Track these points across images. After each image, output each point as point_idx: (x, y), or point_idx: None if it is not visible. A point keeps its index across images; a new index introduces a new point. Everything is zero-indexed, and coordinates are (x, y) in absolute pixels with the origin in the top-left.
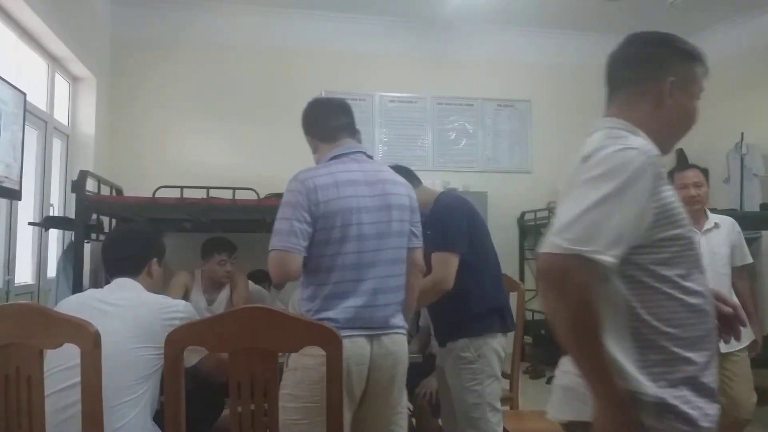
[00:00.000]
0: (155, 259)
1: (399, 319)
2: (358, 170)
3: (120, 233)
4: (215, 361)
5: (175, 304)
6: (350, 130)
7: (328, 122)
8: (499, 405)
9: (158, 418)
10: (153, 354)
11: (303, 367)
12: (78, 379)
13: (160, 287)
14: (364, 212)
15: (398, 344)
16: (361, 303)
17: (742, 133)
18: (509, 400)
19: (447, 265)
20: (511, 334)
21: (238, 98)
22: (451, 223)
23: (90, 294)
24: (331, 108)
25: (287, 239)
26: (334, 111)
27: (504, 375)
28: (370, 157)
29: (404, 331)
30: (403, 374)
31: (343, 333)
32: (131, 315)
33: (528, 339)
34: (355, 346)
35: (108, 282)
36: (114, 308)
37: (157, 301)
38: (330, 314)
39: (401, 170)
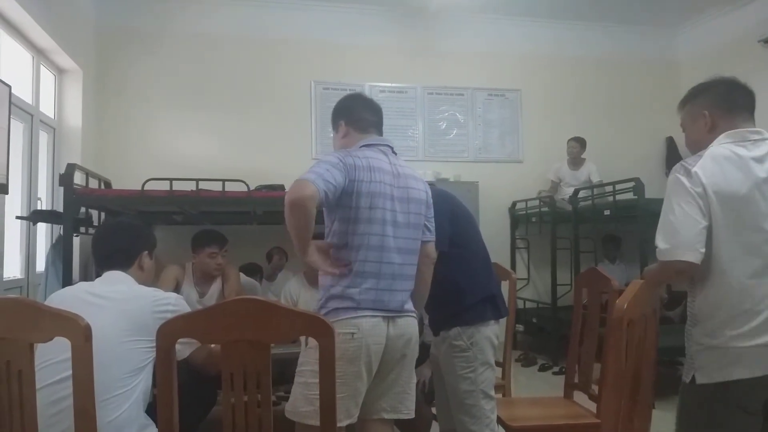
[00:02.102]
0: (146, 252)
1: (410, 305)
2: (387, 161)
3: (110, 226)
4: (206, 353)
5: (167, 297)
6: (378, 127)
7: (363, 114)
8: (492, 392)
9: (151, 410)
10: (145, 347)
11: None
12: (69, 372)
13: (151, 280)
14: (389, 200)
15: (411, 326)
16: (382, 286)
17: None
18: (501, 387)
19: None
20: (504, 322)
21: (227, 89)
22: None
23: (81, 287)
24: (367, 103)
25: (319, 178)
26: (370, 107)
27: (496, 363)
28: (395, 153)
29: (415, 315)
30: (414, 355)
31: (365, 313)
32: (123, 308)
33: (519, 327)
34: (376, 327)
35: (98, 275)
36: (105, 301)
37: (149, 293)
38: (354, 293)
39: None
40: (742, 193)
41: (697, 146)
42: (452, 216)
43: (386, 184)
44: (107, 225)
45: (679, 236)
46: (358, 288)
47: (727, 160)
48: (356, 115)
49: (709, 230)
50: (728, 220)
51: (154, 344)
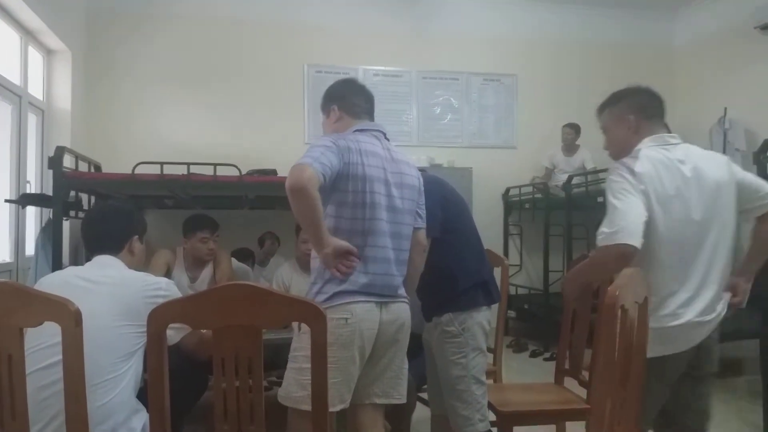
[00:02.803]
0: (136, 237)
1: (403, 290)
2: (380, 146)
3: (100, 210)
4: (197, 338)
5: (157, 282)
6: (371, 114)
7: (357, 100)
8: (484, 378)
9: (142, 395)
10: (135, 332)
11: None
12: (60, 357)
13: (141, 264)
14: (384, 185)
15: (404, 312)
16: (376, 270)
17: (725, 109)
18: (493, 373)
19: None
20: (495, 307)
21: (219, 72)
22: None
23: (71, 271)
24: (361, 90)
25: (315, 161)
26: (363, 94)
27: (488, 349)
28: (388, 139)
29: (408, 301)
30: (406, 340)
31: (359, 298)
32: (113, 292)
33: (511, 313)
34: (369, 312)
35: (89, 259)
36: (95, 286)
37: (139, 278)
38: (348, 278)
39: None
40: (671, 192)
41: (620, 147)
42: (444, 201)
43: (380, 169)
44: (97, 209)
45: (624, 222)
46: (355, 273)
47: (661, 162)
48: (350, 100)
49: (649, 224)
50: (662, 215)
51: (145, 329)
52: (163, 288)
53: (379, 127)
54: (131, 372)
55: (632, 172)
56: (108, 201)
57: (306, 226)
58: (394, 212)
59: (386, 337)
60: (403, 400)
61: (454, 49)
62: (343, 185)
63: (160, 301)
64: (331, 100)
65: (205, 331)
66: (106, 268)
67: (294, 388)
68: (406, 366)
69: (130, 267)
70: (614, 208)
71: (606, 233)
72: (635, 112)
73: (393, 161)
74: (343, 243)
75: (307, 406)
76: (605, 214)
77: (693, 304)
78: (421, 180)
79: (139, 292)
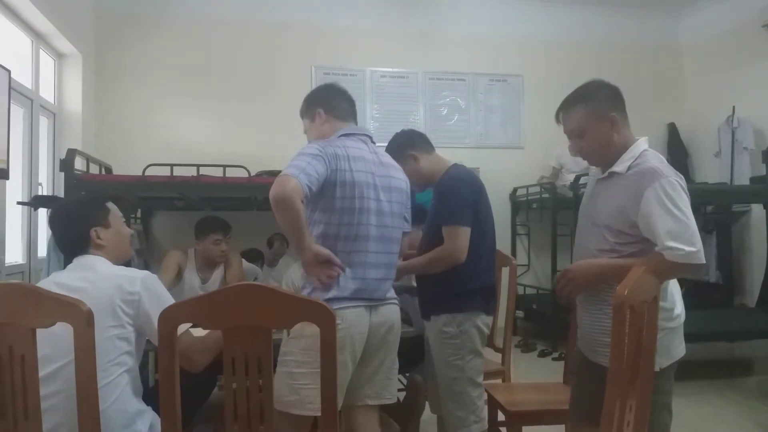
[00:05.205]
0: (95, 229)
1: (393, 292)
2: (368, 150)
3: (51, 217)
4: (184, 346)
5: (132, 277)
6: (355, 117)
7: (341, 103)
8: (480, 380)
9: (153, 394)
10: (120, 333)
11: (311, 334)
12: (51, 369)
13: (125, 249)
14: (372, 189)
15: (394, 314)
16: (365, 275)
17: (734, 107)
18: (501, 373)
19: (458, 239)
20: (504, 307)
21: (227, 74)
22: (459, 197)
23: (51, 279)
24: (343, 93)
25: (301, 173)
26: (346, 97)
27: (496, 349)
28: (374, 142)
29: (397, 302)
30: (396, 341)
31: (349, 304)
32: (90, 297)
33: (519, 313)
34: (359, 317)
35: (69, 262)
36: (71, 293)
37: (114, 275)
38: (338, 283)
39: (416, 135)
40: None
41: (605, 148)
42: (477, 196)
43: (368, 174)
44: (50, 216)
45: (698, 239)
46: (342, 278)
47: None
48: (334, 103)
49: None
50: None
51: (131, 327)
52: (138, 284)
53: (365, 131)
54: (128, 375)
55: (682, 177)
56: (58, 203)
57: (289, 235)
58: (382, 216)
59: (376, 339)
60: (394, 400)
61: (460, 50)
62: (331, 192)
63: (137, 298)
64: (314, 104)
65: (197, 335)
66: (84, 269)
67: (285, 392)
68: (397, 366)
69: (112, 257)
70: (684, 224)
71: (687, 252)
72: (615, 108)
73: (381, 165)
74: (324, 251)
75: (298, 411)
76: (666, 224)
77: None
78: (409, 183)
79: (115, 289)
